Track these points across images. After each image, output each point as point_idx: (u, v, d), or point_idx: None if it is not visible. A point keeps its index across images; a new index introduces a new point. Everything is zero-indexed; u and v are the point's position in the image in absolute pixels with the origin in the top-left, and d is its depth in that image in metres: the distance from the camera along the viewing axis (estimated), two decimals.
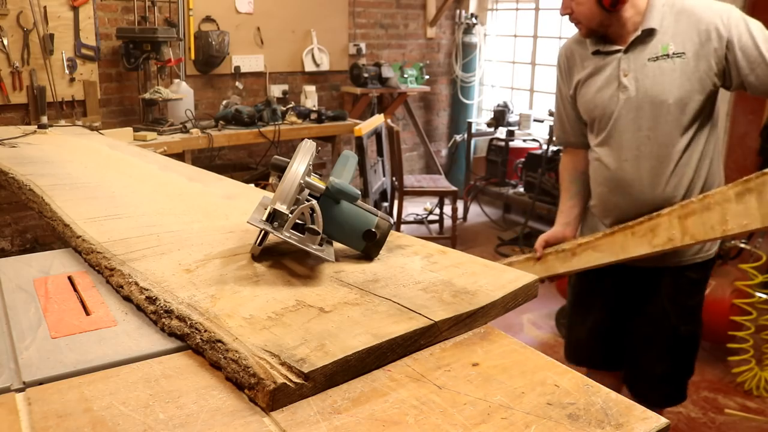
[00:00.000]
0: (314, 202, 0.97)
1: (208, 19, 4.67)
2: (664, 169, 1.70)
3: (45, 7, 3.86)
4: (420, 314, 0.84)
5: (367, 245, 1.06)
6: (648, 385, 1.87)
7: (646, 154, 1.71)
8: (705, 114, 1.69)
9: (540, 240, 1.92)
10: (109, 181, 1.62)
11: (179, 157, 3.50)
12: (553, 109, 2.11)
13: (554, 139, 1.96)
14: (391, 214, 4.48)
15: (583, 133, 1.90)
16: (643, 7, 1.68)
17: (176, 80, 4.32)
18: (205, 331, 0.79)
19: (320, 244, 0.98)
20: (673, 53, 1.64)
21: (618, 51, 1.72)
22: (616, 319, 1.97)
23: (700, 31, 1.61)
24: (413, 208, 5.68)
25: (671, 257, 1.76)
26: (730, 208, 1.54)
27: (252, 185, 1.71)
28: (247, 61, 4.93)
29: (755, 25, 1.59)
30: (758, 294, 2.95)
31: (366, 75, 5.24)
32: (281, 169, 1.01)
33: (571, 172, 1.98)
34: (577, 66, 1.83)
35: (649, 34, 1.67)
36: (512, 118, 5.65)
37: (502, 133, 5.54)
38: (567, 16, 1.74)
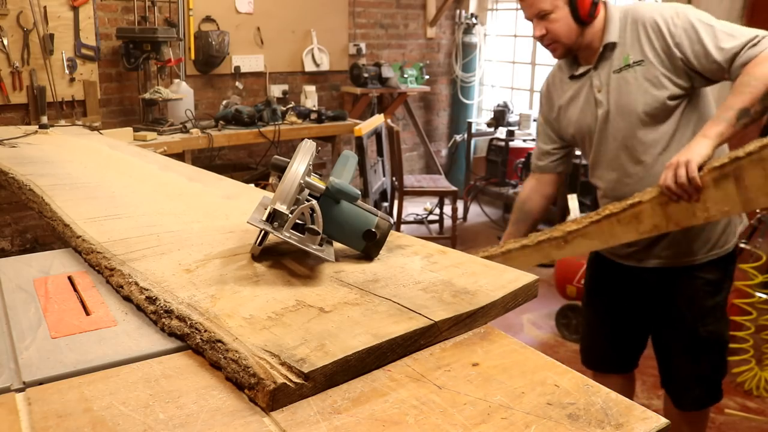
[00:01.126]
0: (314, 202, 0.97)
1: (208, 19, 4.67)
2: (648, 174, 1.73)
3: (45, 7, 3.86)
4: (420, 314, 0.84)
5: (367, 245, 1.06)
6: (679, 387, 1.87)
7: (628, 164, 1.77)
8: (683, 113, 1.71)
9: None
10: (109, 181, 1.62)
11: (179, 157, 3.50)
12: None
13: None
14: (391, 214, 4.48)
15: (554, 157, 1.97)
16: (602, 23, 1.73)
17: (176, 80, 4.32)
18: (205, 331, 0.79)
19: (320, 244, 0.98)
20: (634, 62, 1.69)
21: (589, 70, 1.78)
22: (629, 320, 1.97)
23: (652, 35, 1.66)
24: (413, 208, 5.68)
25: (684, 255, 1.76)
26: (710, 194, 1.53)
27: (252, 185, 1.71)
28: (247, 61, 4.93)
29: (703, 23, 1.62)
30: (758, 294, 2.95)
31: (366, 75, 5.24)
32: (281, 169, 1.01)
33: (523, 198, 2.06)
34: (557, 92, 1.90)
35: (611, 48, 1.73)
36: (512, 118, 5.65)
37: (502, 133, 5.54)
38: (540, 41, 1.77)
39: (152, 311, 0.87)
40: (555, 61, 1.91)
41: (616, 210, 1.64)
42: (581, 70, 1.81)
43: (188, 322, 0.81)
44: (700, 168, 1.52)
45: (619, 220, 1.64)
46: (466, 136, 5.89)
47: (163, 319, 0.85)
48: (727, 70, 1.59)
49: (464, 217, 5.63)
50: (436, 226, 5.32)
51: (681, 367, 1.86)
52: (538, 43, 1.83)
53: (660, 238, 1.77)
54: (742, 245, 3.08)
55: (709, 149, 1.53)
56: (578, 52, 1.79)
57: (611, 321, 2.01)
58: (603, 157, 1.81)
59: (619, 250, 1.86)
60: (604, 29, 1.73)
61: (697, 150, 1.53)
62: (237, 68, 4.86)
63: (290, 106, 4.62)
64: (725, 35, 1.58)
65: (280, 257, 1.06)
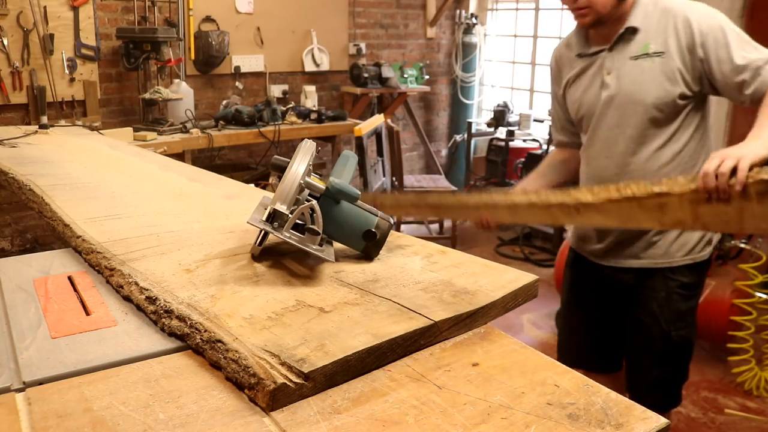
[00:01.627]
0: (314, 202, 0.97)
1: (208, 19, 4.67)
2: (639, 167, 1.71)
3: (45, 7, 3.86)
4: (420, 314, 0.84)
5: (367, 245, 1.06)
6: (643, 389, 1.86)
7: (622, 153, 1.73)
8: (688, 115, 1.69)
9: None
10: (109, 181, 1.62)
11: (179, 157, 3.50)
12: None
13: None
14: None
15: (572, 133, 1.93)
16: (630, 5, 1.69)
17: (176, 80, 4.32)
18: (205, 331, 0.79)
19: (320, 244, 0.98)
20: (653, 52, 1.65)
21: (602, 51, 1.74)
22: (607, 320, 1.96)
23: (680, 29, 1.62)
24: None
25: (661, 257, 1.75)
26: (750, 207, 1.36)
27: (252, 185, 1.71)
28: (247, 61, 4.92)
29: (733, 30, 1.59)
30: (758, 294, 2.94)
31: (366, 75, 5.24)
32: (281, 169, 1.01)
33: (550, 160, 2.03)
34: (566, 67, 1.86)
35: (632, 32, 1.68)
36: (512, 118, 5.65)
37: (502, 133, 5.54)
38: (571, 4, 1.69)
39: (152, 311, 0.87)
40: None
41: (639, 194, 1.45)
42: (593, 49, 1.76)
43: (188, 322, 0.81)
44: (750, 168, 1.34)
45: (642, 206, 1.47)
46: (466, 136, 5.88)
47: (163, 319, 0.85)
48: (747, 82, 1.54)
49: None
50: (436, 226, 5.32)
51: (646, 370, 1.85)
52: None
53: (636, 238, 1.75)
54: (741, 245, 3.08)
55: (766, 151, 1.37)
56: (597, 28, 1.72)
57: (591, 320, 1.99)
58: (597, 140, 1.78)
59: (595, 250, 1.84)
60: (630, 11, 1.68)
61: (753, 148, 1.37)
62: (237, 68, 4.86)
63: (290, 106, 4.61)
64: (752, 47, 1.56)
65: (280, 257, 1.06)
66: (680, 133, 1.70)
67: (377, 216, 1.06)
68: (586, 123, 1.82)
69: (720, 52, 1.58)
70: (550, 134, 4.84)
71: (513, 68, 6.12)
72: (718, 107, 4.24)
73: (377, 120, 4.39)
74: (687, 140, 1.69)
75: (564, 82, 1.86)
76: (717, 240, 1.84)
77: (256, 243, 1.04)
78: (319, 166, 4.97)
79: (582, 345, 2.04)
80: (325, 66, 5.35)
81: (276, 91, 5.07)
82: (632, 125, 1.71)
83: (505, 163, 5.47)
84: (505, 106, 5.68)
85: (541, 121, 5.35)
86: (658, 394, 1.85)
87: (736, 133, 3.78)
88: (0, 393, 0.70)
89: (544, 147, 4.98)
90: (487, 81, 6.36)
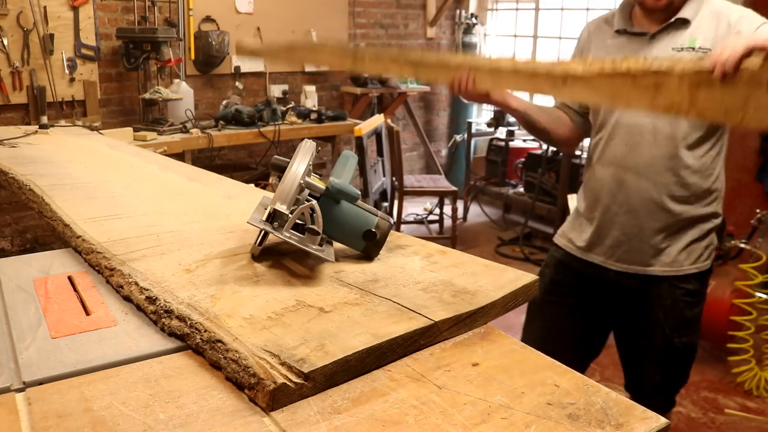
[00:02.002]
0: (314, 202, 0.97)
1: (208, 19, 4.67)
2: (660, 162, 1.65)
3: (45, 7, 3.86)
4: (420, 314, 0.84)
5: (367, 245, 1.06)
6: (646, 394, 1.85)
7: (647, 143, 1.65)
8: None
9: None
10: (109, 181, 1.62)
11: (179, 157, 3.50)
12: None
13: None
14: (391, 214, 4.48)
15: (577, 109, 1.83)
16: None
17: (176, 80, 4.32)
18: (205, 331, 0.79)
19: (320, 244, 0.98)
20: (699, 47, 1.59)
21: (643, 35, 1.67)
22: (593, 325, 1.90)
23: (732, 27, 1.57)
24: (413, 208, 5.68)
25: (669, 264, 1.72)
26: (758, 96, 1.21)
27: (252, 185, 1.71)
28: (247, 61, 4.92)
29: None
30: (758, 294, 2.95)
31: (366, 75, 5.24)
32: (281, 169, 1.02)
33: (547, 107, 1.88)
34: (598, 40, 1.77)
35: (682, 23, 1.63)
36: (512, 118, 5.65)
37: (502, 133, 5.54)
38: None
39: (152, 311, 0.87)
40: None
41: (635, 70, 1.30)
42: (636, 30, 1.68)
43: (188, 322, 0.81)
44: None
45: (635, 83, 1.33)
46: (466, 136, 5.89)
47: (163, 319, 0.85)
48: None
49: (464, 217, 5.63)
50: (436, 226, 5.32)
51: (650, 375, 1.82)
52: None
53: (643, 242, 1.70)
54: (742, 245, 3.08)
55: None
56: (655, 12, 1.64)
57: (573, 323, 1.90)
58: (620, 128, 1.69)
59: (597, 250, 1.77)
60: (684, 3, 1.62)
61: None
62: (237, 68, 4.86)
63: (290, 106, 4.62)
64: None
65: (280, 257, 1.06)
66: (711, 134, 1.64)
67: (377, 216, 1.06)
68: (606, 109, 1.72)
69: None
70: None
71: None
72: None
73: (377, 120, 4.39)
74: (709, 148, 1.65)
75: (590, 55, 1.76)
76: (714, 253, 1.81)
77: (256, 243, 1.04)
78: (319, 166, 4.98)
79: (560, 346, 1.94)
80: (325, 66, 5.35)
81: (276, 91, 5.07)
82: (662, 118, 1.62)
83: (505, 163, 5.47)
84: None
85: None
86: (658, 399, 1.84)
87: (736, 132, 3.77)
88: (0, 393, 0.70)
89: (544, 147, 4.98)
90: None
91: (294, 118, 4.48)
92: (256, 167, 4.75)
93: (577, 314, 1.89)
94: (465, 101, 6.06)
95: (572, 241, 1.85)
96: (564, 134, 1.85)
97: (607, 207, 1.75)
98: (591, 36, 1.80)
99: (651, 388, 1.83)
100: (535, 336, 1.94)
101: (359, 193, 1.04)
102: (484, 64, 1.52)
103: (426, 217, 5.47)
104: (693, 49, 1.60)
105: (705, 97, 1.26)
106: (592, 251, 1.80)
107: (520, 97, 1.75)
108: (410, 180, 4.91)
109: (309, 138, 1.14)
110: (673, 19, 1.63)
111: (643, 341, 1.82)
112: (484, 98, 1.65)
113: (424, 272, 1.01)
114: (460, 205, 5.34)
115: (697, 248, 1.73)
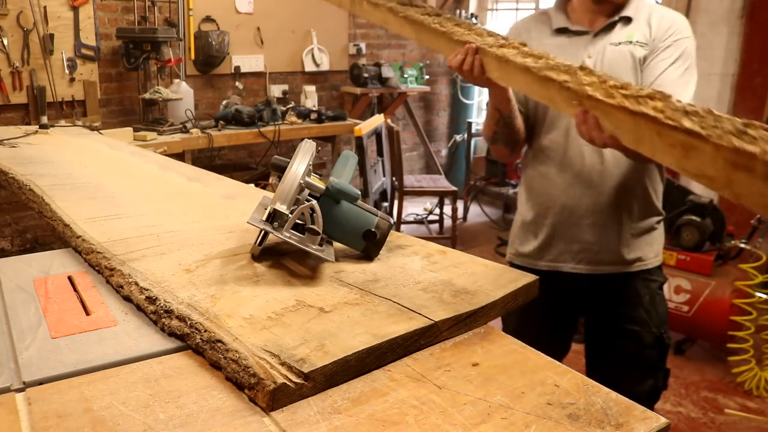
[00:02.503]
0: (314, 202, 0.97)
1: (208, 19, 4.67)
2: (604, 165, 1.60)
3: (45, 7, 3.86)
4: (420, 314, 0.84)
5: (367, 245, 1.06)
6: (637, 401, 1.80)
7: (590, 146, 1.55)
8: None
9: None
10: (109, 181, 1.62)
11: (179, 157, 3.50)
12: None
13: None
14: (391, 214, 4.48)
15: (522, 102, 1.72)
16: None
17: (176, 80, 4.32)
18: (205, 331, 0.79)
19: (320, 244, 0.98)
20: (636, 41, 1.60)
21: (585, 33, 1.65)
22: (562, 331, 1.85)
23: (662, 25, 1.59)
24: (413, 208, 5.68)
25: (640, 260, 1.68)
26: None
27: (252, 185, 1.71)
28: (247, 61, 4.92)
29: (691, 55, 1.56)
30: (758, 294, 2.95)
31: (366, 75, 5.24)
32: (281, 169, 1.02)
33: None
34: (534, 41, 1.68)
35: (626, 21, 1.63)
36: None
37: None
38: None
39: (152, 311, 0.87)
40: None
41: (662, 119, 0.95)
42: (576, 28, 1.66)
43: (188, 322, 0.81)
44: None
45: (661, 135, 0.97)
46: (466, 136, 5.89)
47: (163, 319, 0.85)
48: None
49: (464, 217, 5.63)
50: (436, 226, 5.32)
51: (640, 381, 1.74)
52: None
53: (609, 241, 1.65)
54: (742, 245, 3.08)
55: None
56: (601, 5, 1.62)
57: (542, 330, 1.78)
58: (560, 128, 1.64)
59: (571, 256, 1.69)
60: (627, 1, 1.62)
61: None
62: (237, 68, 4.86)
63: (290, 106, 4.61)
64: (684, 85, 1.52)
65: (280, 257, 1.06)
66: None
67: (377, 216, 1.06)
68: (551, 111, 1.64)
69: (658, 63, 1.55)
70: None
71: None
72: (721, 88, 4.22)
73: (377, 120, 4.39)
74: None
75: None
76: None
77: (256, 243, 1.04)
78: (319, 166, 4.98)
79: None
80: (325, 66, 5.35)
81: (276, 91, 5.07)
82: None
83: (505, 163, 5.47)
84: None
85: None
86: (648, 402, 1.81)
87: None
88: (0, 393, 0.70)
89: None
90: None
91: (294, 118, 4.48)
92: (256, 167, 4.75)
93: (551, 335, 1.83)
94: (463, 82, 6.03)
95: (525, 254, 1.75)
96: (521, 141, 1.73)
97: (569, 212, 1.66)
98: (523, 36, 1.70)
99: (642, 394, 1.72)
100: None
101: (359, 193, 1.04)
102: (492, 49, 1.30)
103: (426, 217, 5.47)
104: (630, 42, 1.60)
105: (745, 182, 0.89)
106: (558, 260, 1.70)
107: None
108: (410, 180, 4.92)
109: (309, 138, 1.14)
110: (617, 17, 1.63)
111: (633, 347, 1.72)
112: (485, 84, 1.49)
113: (424, 272, 1.01)
114: (460, 205, 5.34)
115: (656, 240, 1.70)
